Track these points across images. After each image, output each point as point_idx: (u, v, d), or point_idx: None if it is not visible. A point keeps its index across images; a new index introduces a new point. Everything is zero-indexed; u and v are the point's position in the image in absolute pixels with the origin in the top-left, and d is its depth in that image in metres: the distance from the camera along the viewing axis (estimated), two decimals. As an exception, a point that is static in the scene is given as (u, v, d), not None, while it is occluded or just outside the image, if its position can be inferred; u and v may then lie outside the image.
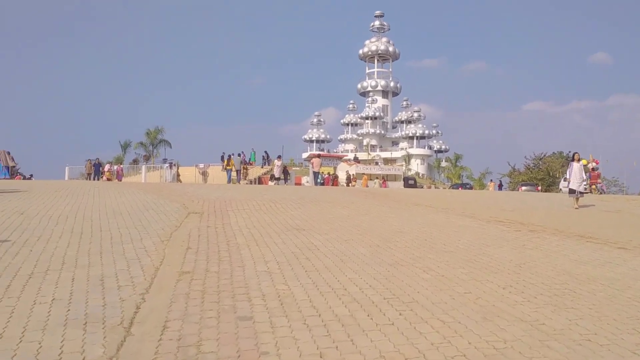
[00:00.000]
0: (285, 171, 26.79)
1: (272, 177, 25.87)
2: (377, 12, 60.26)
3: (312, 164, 24.06)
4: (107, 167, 27.72)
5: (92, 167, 25.37)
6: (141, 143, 30.92)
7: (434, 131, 57.71)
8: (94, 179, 24.39)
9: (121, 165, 28.29)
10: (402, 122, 60.39)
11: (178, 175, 27.26)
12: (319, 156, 26.72)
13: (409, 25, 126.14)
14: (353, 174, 29.94)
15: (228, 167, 24.81)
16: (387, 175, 33.08)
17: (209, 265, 4.19)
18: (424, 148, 56.64)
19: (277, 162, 25.65)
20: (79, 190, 11.17)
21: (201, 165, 29.00)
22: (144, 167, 27.76)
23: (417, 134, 56.87)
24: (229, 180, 24.56)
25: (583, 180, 11.89)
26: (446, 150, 56.22)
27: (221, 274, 3.94)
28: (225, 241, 5.39)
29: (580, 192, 11.70)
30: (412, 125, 57.72)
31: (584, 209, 11.84)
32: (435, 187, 34.65)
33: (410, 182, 32.16)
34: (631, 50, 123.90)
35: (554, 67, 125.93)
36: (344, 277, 3.97)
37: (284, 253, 4.85)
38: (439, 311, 3.17)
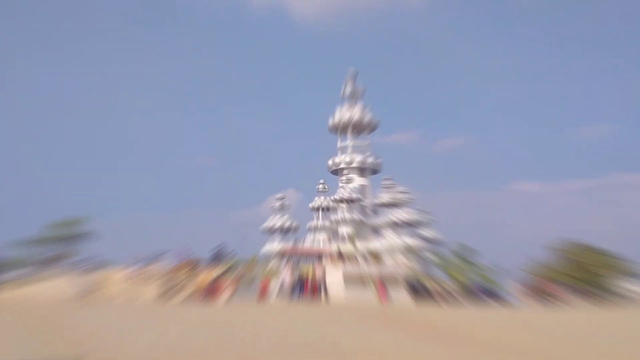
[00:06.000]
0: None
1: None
2: (349, 73, 53.74)
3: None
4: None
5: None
6: (52, 237, 22.79)
7: (425, 217, 50.91)
8: None
9: None
10: (384, 205, 52.68)
11: (96, 285, 18.82)
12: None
13: (380, 96, 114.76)
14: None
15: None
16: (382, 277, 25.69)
17: None
18: (414, 238, 49.32)
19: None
20: None
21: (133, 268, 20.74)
22: (47, 273, 19.41)
23: (405, 221, 49.62)
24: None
25: None
26: (439, 242, 49.36)
27: None
28: None
29: None
30: (399, 210, 50.60)
31: None
32: (449, 293, 27.24)
33: (417, 288, 24.59)
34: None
35: (540, 145, 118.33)
36: None
37: None
38: None
